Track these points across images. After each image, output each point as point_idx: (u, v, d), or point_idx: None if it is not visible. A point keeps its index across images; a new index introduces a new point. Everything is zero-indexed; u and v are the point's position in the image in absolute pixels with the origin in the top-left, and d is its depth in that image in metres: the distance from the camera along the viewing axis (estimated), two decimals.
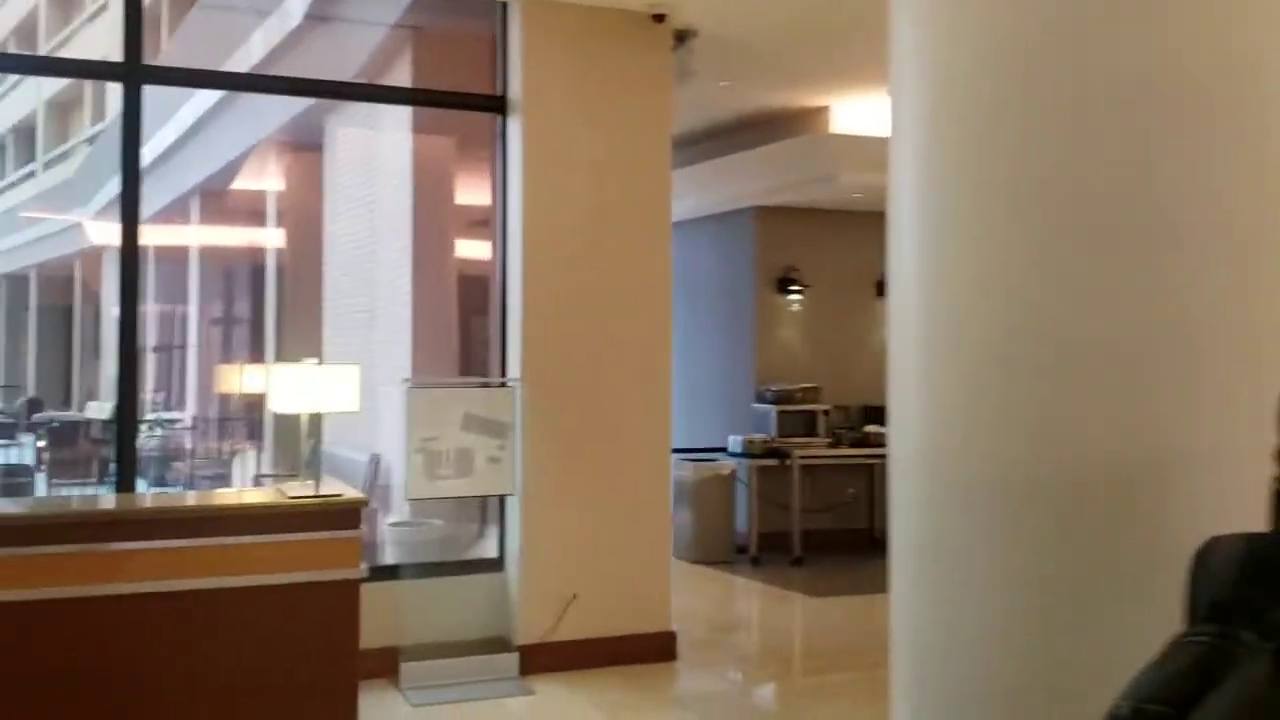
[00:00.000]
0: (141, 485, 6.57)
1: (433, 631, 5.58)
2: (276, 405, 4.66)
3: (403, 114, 8.26)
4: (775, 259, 9.84)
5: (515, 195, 5.89)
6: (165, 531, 4.03)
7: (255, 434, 11.79)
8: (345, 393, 4.55)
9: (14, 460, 11.16)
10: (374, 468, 8.45)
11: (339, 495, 4.38)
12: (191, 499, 6.13)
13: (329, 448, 6.32)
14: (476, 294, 7.17)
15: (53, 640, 3.76)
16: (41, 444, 11.97)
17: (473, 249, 8.32)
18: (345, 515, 4.31)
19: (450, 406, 5.55)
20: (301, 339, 10.96)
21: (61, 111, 24.52)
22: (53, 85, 24.46)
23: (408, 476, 5.52)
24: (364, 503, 4.47)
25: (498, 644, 5.70)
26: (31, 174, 25.94)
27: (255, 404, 11.33)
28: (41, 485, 10.70)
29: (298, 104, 10.41)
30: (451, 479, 5.49)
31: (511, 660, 5.57)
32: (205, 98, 12.67)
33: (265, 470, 10.87)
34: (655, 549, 6.00)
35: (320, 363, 4.70)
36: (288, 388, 4.53)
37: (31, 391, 21.92)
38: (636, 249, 6.02)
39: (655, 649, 5.89)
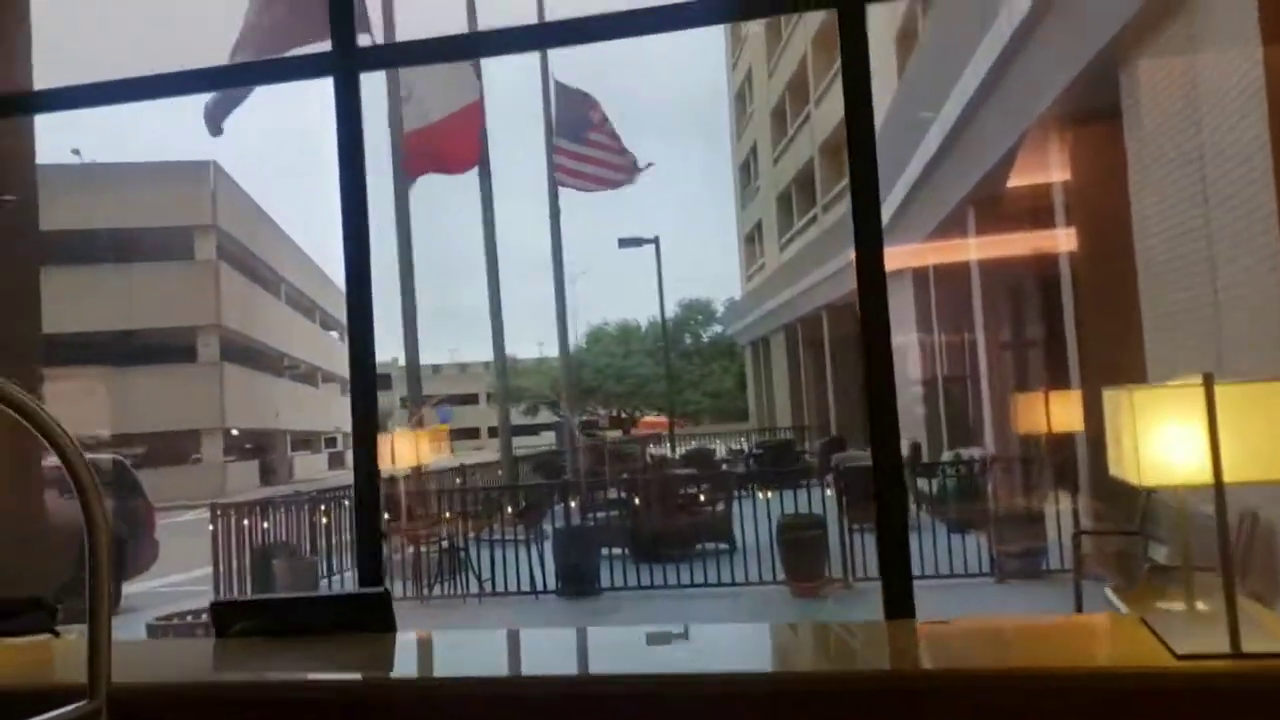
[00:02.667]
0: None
1: None
2: (1132, 471, 2.50)
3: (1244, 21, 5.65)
4: None
5: None
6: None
7: (1066, 474, 9.68)
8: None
9: (804, 510, 10.31)
10: (1247, 530, 5.86)
11: None
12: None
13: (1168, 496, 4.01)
14: None
15: None
16: (832, 488, 11.14)
17: None
18: None
19: None
20: (1113, 357, 8.67)
21: (834, 153, 24.94)
22: (822, 130, 25.04)
23: None
24: None
25: None
26: (813, 218, 26.90)
27: (1064, 441, 9.31)
28: (833, 532, 9.72)
29: (1077, 64, 8.18)
30: None
31: None
32: (965, 89, 10.97)
33: (1085, 525, 8.75)
34: None
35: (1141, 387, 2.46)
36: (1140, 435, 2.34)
37: (833, 430, 22.30)
38: None
39: None
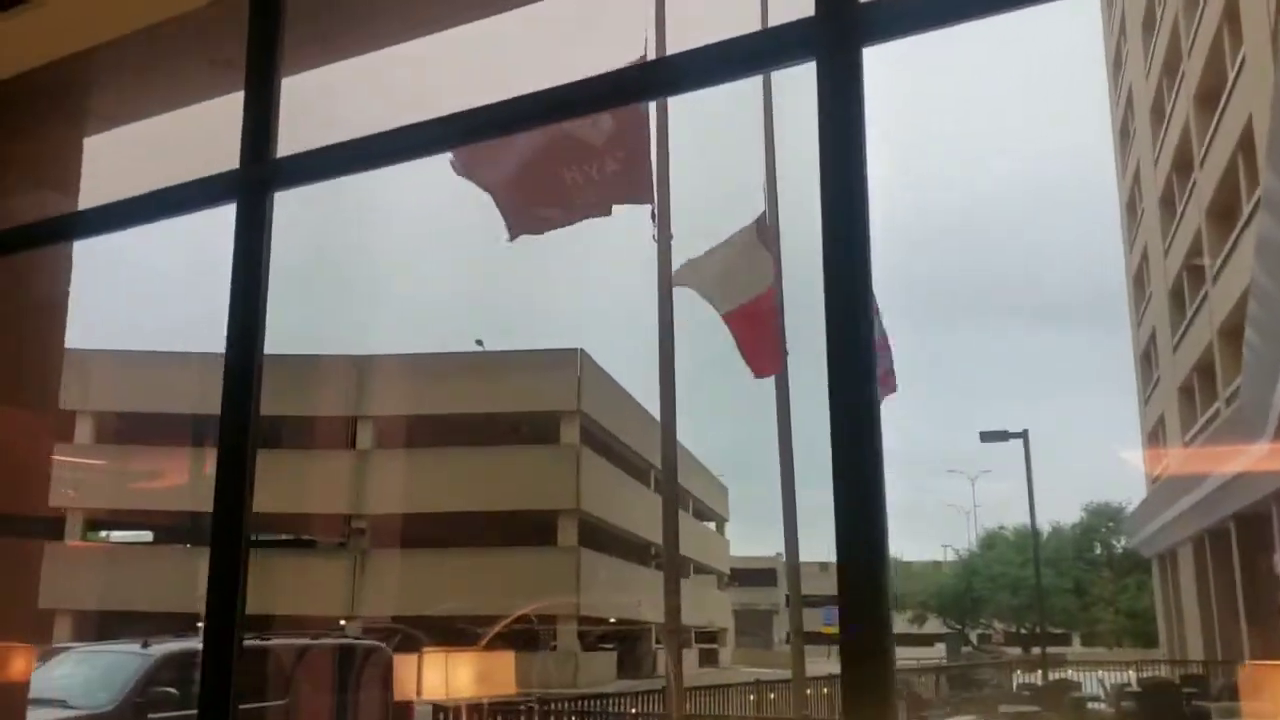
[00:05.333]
0: None
1: None
2: None
3: None
4: None
5: None
6: None
7: None
8: None
9: None
10: None
11: None
12: None
13: None
14: None
15: None
16: None
17: None
18: None
19: None
20: None
21: (1234, 336, 21.07)
22: (1220, 309, 21.30)
23: None
24: None
25: None
26: (1216, 412, 22.77)
27: None
28: None
29: None
30: None
31: None
32: None
33: None
34: None
35: None
36: None
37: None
38: None
39: None
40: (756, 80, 12.31)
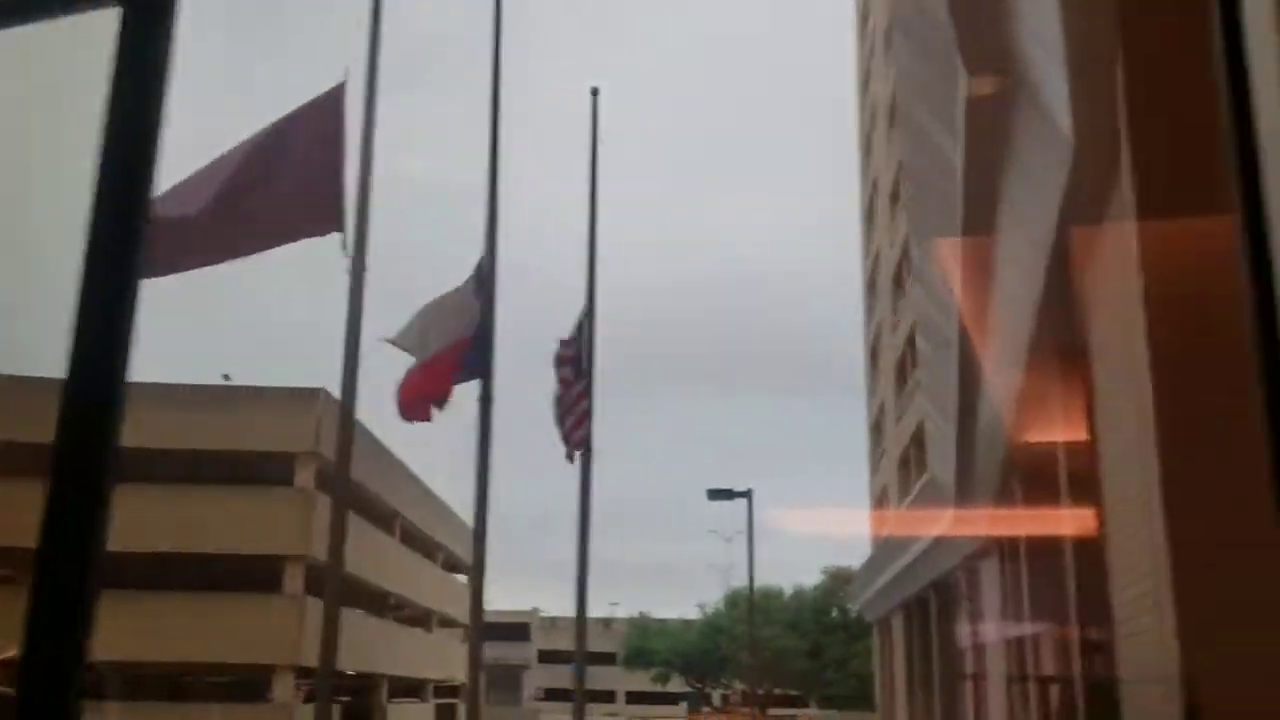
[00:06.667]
0: None
1: None
2: None
3: None
4: None
5: None
6: None
7: None
8: None
9: None
10: None
11: None
12: None
13: None
14: None
15: None
16: None
17: None
18: None
19: None
20: None
21: None
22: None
23: None
24: None
25: None
26: (927, 482, 23.90)
27: None
28: None
29: None
30: None
31: None
32: None
33: None
34: None
35: None
36: None
37: None
38: None
39: None
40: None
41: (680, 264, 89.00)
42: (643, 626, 62.41)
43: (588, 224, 15.45)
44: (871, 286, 35.41)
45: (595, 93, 15.63)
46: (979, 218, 7.06)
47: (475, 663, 14.28)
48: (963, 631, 18.83)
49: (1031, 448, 8.89)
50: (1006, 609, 14.14)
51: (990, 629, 16.13)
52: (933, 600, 21.61)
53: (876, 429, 34.14)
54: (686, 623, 61.79)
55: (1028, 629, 13.67)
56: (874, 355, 34.36)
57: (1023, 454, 9.38)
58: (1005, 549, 14.05)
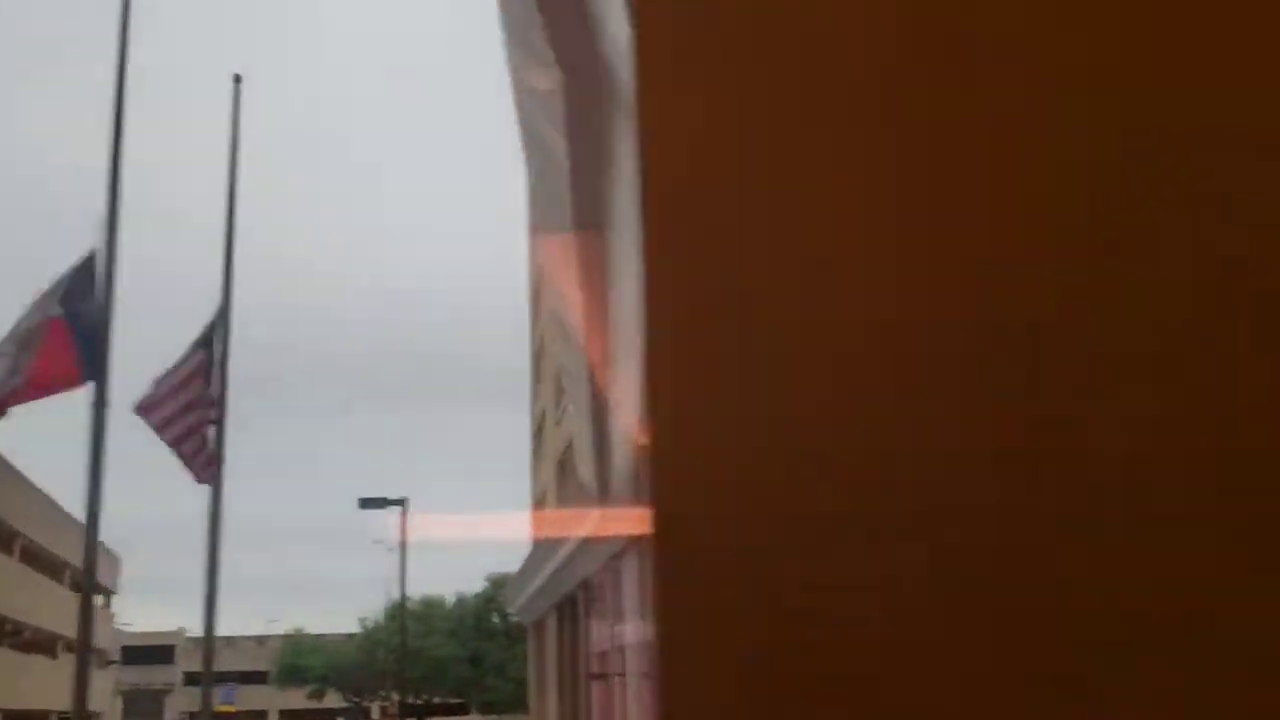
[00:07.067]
0: None
1: None
2: None
3: None
4: None
5: None
6: None
7: None
8: None
9: None
10: None
11: None
12: None
13: None
14: None
15: None
16: None
17: None
18: None
19: None
20: None
21: None
22: None
23: None
24: None
25: None
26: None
27: None
28: None
29: None
30: None
31: None
32: None
33: None
34: None
35: None
36: None
37: None
38: None
39: None
40: None
41: (340, 273, 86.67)
42: (296, 643, 59.85)
43: (225, 218, 14.58)
44: (536, 293, 35.75)
45: (238, 80, 14.79)
46: (587, 211, 7.16)
47: (82, 685, 12.97)
48: (605, 631, 19.28)
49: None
50: (643, 608, 14.57)
51: (630, 628, 16.57)
52: (581, 600, 21.99)
53: (539, 434, 34.47)
54: (348, 637, 59.82)
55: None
56: (538, 360, 34.70)
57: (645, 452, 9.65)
58: (643, 547, 14.49)
